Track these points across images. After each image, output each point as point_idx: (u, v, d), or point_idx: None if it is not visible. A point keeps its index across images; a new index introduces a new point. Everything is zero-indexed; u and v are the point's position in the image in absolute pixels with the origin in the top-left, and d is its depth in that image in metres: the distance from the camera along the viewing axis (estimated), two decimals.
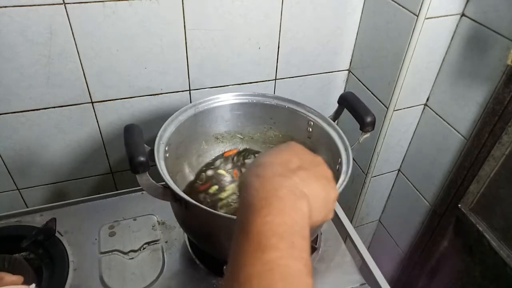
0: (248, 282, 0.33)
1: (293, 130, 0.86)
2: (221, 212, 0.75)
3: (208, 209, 0.62)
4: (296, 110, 0.83)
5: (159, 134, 0.71)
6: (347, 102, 0.79)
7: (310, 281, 0.35)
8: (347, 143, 0.74)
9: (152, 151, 0.68)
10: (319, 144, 0.81)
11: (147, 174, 0.62)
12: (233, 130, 0.88)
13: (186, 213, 0.69)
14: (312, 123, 0.81)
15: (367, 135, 0.76)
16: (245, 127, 0.88)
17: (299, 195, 0.40)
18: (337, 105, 0.83)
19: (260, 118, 0.86)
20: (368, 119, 0.74)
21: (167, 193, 0.65)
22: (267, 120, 0.87)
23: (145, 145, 0.65)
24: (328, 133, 0.78)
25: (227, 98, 0.83)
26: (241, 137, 0.90)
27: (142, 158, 0.60)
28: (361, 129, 0.75)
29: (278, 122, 0.87)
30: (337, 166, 0.72)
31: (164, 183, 0.64)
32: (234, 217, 0.71)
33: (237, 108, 0.85)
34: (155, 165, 0.66)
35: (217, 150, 0.89)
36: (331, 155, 0.76)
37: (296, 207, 0.39)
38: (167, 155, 0.71)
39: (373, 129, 0.75)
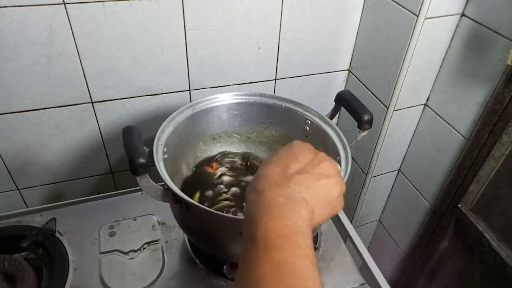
0: (261, 280, 0.36)
1: (290, 129, 0.86)
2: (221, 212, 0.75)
3: (209, 209, 0.62)
4: (293, 109, 0.83)
5: (157, 135, 0.71)
6: (344, 100, 0.79)
7: (317, 274, 0.39)
8: (345, 141, 0.73)
9: (151, 152, 0.68)
10: (317, 142, 0.81)
11: (147, 176, 0.62)
12: (230, 130, 0.88)
13: (186, 214, 0.69)
14: (309, 121, 0.81)
15: (365, 133, 0.76)
16: (242, 127, 0.88)
17: (297, 200, 0.42)
18: None
19: (257, 118, 0.86)
20: (366, 117, 0.74)
21: (167, 194, 0.65)
22: (264, 120, 0.87)
23: (144, 146, 0.65)
24: (326, 131, 0.78)
25: (224, 98, 0.83)
26: (238, 137, 0.89)
27: (142, 160, 0.60)
28: (358, 127, 0.75)
29: (275, 122, 0.86)
30: None
31: (163, 183, 0.64)
32: (235, 217, 0.72)
33: (234, 108, 0.84)
34: (154, 165, 0.65)
35: (214, 150, 0.89)
36: (329, 153, 0.76)
37: (295, 210, 0.41)
38: (166, 156, 0.71)
39: (370, 127, 0.75)
